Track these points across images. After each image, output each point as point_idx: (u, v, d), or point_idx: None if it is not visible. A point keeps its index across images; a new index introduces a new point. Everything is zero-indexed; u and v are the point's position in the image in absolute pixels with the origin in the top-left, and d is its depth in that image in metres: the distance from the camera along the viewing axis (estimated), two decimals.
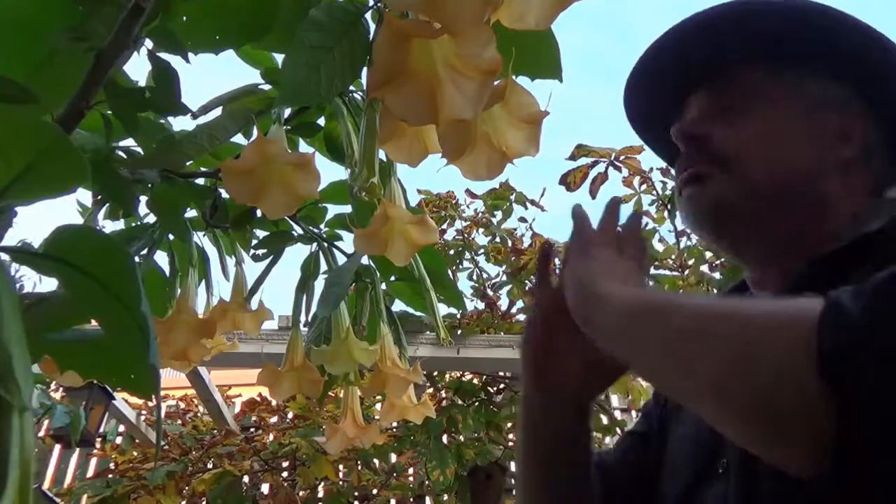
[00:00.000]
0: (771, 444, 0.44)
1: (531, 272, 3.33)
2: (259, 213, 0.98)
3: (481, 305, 3.68)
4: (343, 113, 0.85)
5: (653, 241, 3.27)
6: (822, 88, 0.66)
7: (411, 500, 3.52)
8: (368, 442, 1.16)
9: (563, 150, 2.94)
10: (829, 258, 0.57)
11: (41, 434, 3.33)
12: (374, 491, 3.44)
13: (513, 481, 3.25)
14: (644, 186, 3.19)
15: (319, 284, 1.09)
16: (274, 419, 3.75)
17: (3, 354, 0.31)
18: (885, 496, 0.41)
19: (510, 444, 3.34)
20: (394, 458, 3.41)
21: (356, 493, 3.39)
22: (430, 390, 3.50)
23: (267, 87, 0.90)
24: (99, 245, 0.41)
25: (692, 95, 0.71)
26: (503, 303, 3.77)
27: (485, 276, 3.83)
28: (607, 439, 3.36)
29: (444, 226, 3.76)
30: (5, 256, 0.41)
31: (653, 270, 3.15)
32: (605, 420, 3.37)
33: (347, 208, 1.06)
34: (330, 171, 1.64)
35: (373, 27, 0.66)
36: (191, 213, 1.03)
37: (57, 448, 4.00)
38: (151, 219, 1.01)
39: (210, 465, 3.45)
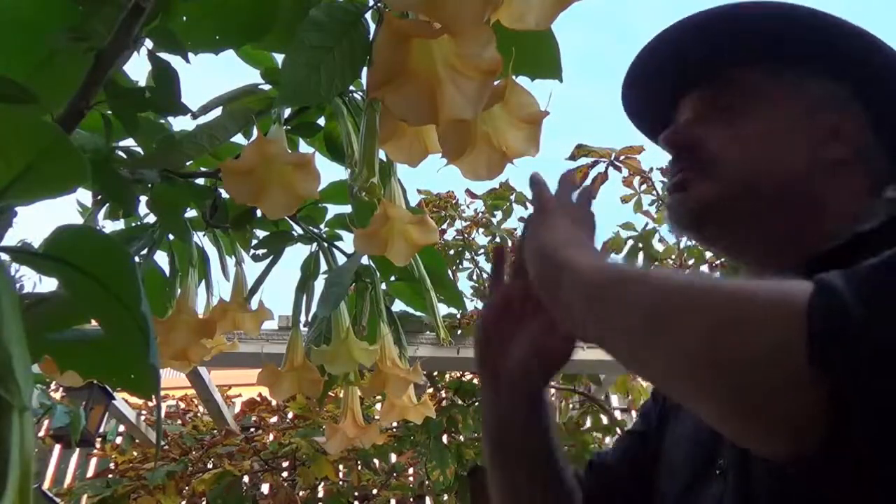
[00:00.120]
0: (750, 422, 0.42)
1: None
2: (259, 213, 0.98)
3: (481, 305, 3.68)
4: (343, 113, 0.85)
5: (653, 242, 3.26)
6: (820, 88, 0.66)
7: (411, 500, 3.51)
8: (368, 442, 1.16)
9: (563, 150, 2.95)
10: (825, 257, 0.57)
11: (41, 434, 3.33)
12: (374, 491, 3.44)
13: None
14: (644, 186, 3.20)
15: (319, 284, 1.09)
16: (274, 419, 3.75)
17: (3, 354, 0.31)
18: (884, 493, 0.40)
19: None
20: (394, 458, 3.41)
21: (356, 493, 3.39)
22: (430, 390, 3.50)
23: (267, 87, 0.90)
24: (99, 245, 0.41)
25: (685, 97, 0.72)
26: None
27: (485, 276, 3.83)
28: (607, 439, 3.36)
29: (444, 226, 3.76)
30: (5, 256, 0.41)
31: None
32: (605, 420, 3.38)
33: (347, 208, 1.06)
34: (330, 171, 1.64)
35: (373, 27, 0.66)
36: (191, 213, 1.04)
37: (57, 448, 3.99)
38: (151, 219, 1.01)
39: (210, 465, 3.44)
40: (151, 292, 0.98)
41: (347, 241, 1.10)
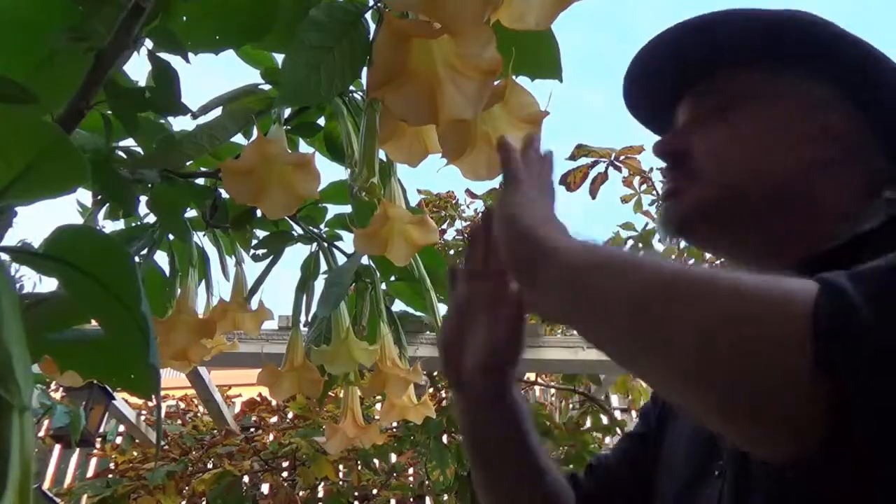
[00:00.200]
0: (749, 423, 0.41)
1: None
2: (259, 213, 0.98)
3: None
4: (343, 113, 0.86)
5: (653, 241, 3.26)
6: (814, 90, 0.66)
7: (411, 500, 3.51)
8: (368, 442, 1.16)
9: (563, 150, 2.95)
10: (825, 257, 0.57)
11: (41, 434, 3.33)
12: (374, 491, 3.44)
13: None
14: (644, 186, 3.19)
15: (319, 284, 1.09)
16: (274, 419, 3.75)
17: (3, 354, 0.31)
18: (884, 493, 0.40)
19: None
20: (394, 458, 3.40)
21: (356, 493, 3.39)
22: (431, 390, 3.50)
23: (267, 87, 0.90)
24: (99, 245, 0.41)
25: (685, 96, 0.72)
26: None
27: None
28: (607, 439, 3.36)
29: (444, 226, 3.76)
30: (5, 256, 0.41)
31: None
32: (605, 420, 3.37)
33: (347, 208, 1.06)
34: (330, 171, 1.64)
35: (373, 27, 0.66)
36: (191, 213, 1.04)
37: (57, 448, 4.00)
38: (151, 219, 1.01)
39: (210, 465, 3.44)
40: (151, 292, 0.98)
41: (347, 241, 1.11)
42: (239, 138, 0.88)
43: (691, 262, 3.15)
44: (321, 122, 0.96)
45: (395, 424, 2.97)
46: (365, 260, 1.07)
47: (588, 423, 3.32)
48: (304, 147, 0.97)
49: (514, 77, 0.65)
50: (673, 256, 3.30)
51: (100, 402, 3.22)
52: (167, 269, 1.07)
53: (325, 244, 1.10)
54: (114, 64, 0.65)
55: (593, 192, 2.95)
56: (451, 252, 3.68)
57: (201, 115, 0.83)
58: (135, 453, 3.68)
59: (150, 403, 3.50)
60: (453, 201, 3.87)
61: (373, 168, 0.77)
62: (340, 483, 3.42)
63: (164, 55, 0.72)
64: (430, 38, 0.57)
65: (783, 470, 0.43)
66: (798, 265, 0.59)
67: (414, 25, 0.58)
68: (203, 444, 3.49)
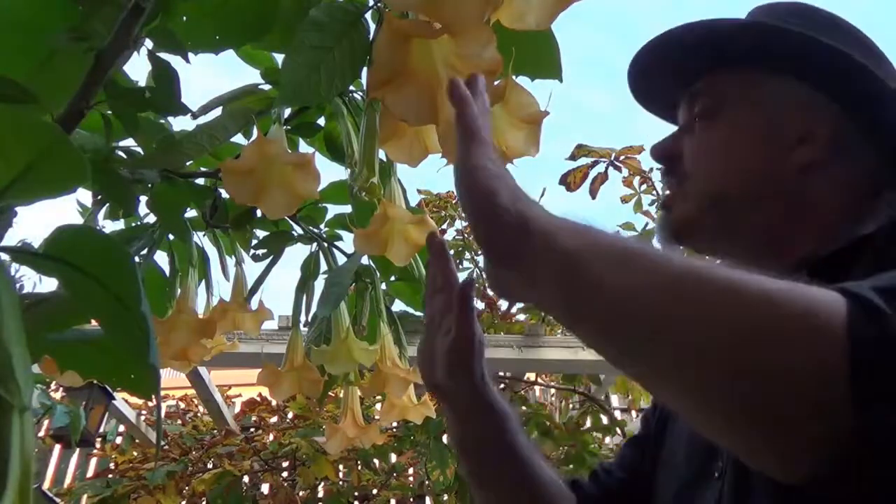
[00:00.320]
0: (765, 444, 0.39)
1: None
2: (259, 213, 0.98)
3: (481, 305, 3.68)
4: (343, 113, 0.85)
5: (653, 242, 3.26)
6: (794, 95, 0.66)
7: (411, 500, 3.51)
8: (368, 442, 1.16)
9: (563, 150, 2.94)
10: (827, 260, 0.57)
11: (41, 434, 3.33)
12: (374, 491, 3.44)
13: None
14: (644, 186, 3.19)
15: (319, 284, 1.09)
16: (274, 419, 3.74)
17: (3, 354, 0.31)
18: (885, 496, 0.40)
19: None
20: (394, 458, 3.40)
21: (356, 493, 3.39)
22: None
23: (267, 87, 0.90)
24: (99, 245, 0.41)
25: (682, 98, 0.73)
26: (503, 303, 3.77)
27: (485, 275, 3.81)
28: (607, 439, 3.36)
29: (444, 226, 3.75)
30: (5, 256, 0.41)
31: None
32: (605, 420, 3.37)
33: (347, 208, 1.06)
34: (330, 171, 1.64)
35: (373, 27, 0.66)
36: (191, 213, 1.03)
37: (57, 448, 3.99)
38: (151, 219, 1.01)
39: (210, 465, 3.44)
40: (151, 292, 0.98)
41: (347, 241, 1.10)
42: (239, 138, 0.88)
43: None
44: (321, 122, 0.96)
45: (395, 424, 2.97)
46: (365, 260, 1.07)
47: (588, 423, 3.32)
48: (304, 147, 0.96)
49: (514, 77, 0.65)
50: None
51: (100, 402, 3.22)
52: (167, 269, 1.07)
53: (325, 244, 1.10)
54: (114, 64, 0.65)
55: (593, 192, 2.95)
56: (452, 252, 3.67)
57: (201, 115, 0.83)
58: (135, 453, 3.67)
59: (150, 403, 3.50)
60: (453, 201, 3.87)
61: (373, 168, 0.77)
62: (340, 483, 3.42)
63: (164, 55, 0.72)
64: (430, 38, 0.57)
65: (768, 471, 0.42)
66: (798, 265, 0.59)
67: (414, 25, 0.58)
68: (203, 444, 3.49)
